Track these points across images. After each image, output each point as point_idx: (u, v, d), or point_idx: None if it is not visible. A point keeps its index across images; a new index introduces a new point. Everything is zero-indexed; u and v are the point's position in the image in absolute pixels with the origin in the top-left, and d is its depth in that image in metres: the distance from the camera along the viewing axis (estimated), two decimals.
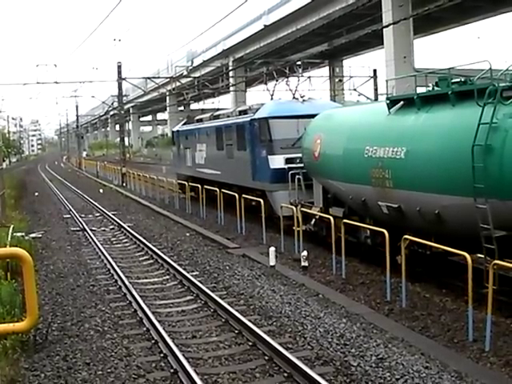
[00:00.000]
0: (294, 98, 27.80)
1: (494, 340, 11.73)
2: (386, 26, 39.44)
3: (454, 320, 13.32)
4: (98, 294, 16.82)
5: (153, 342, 12.64)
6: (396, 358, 11.07)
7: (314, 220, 21.34)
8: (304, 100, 26.98)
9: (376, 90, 54.88)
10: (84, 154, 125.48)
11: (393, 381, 10.13)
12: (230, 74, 71.80)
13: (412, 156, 15.19)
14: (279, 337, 12.62)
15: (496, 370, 10.74)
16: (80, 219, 31.74)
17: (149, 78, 69.21)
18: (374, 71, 56.52)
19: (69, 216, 34.47)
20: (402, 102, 16.70)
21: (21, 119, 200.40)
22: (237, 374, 10.90)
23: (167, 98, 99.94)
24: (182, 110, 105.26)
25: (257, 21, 68.13)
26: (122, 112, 63.02)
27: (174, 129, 44.49)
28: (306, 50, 66.75)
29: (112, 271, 19.31)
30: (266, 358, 11.49)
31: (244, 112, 29.50)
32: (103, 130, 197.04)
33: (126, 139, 79.73)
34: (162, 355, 11.84)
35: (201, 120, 37.48)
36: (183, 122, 42.72)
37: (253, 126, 26.69)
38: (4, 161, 68.64)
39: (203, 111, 48.24)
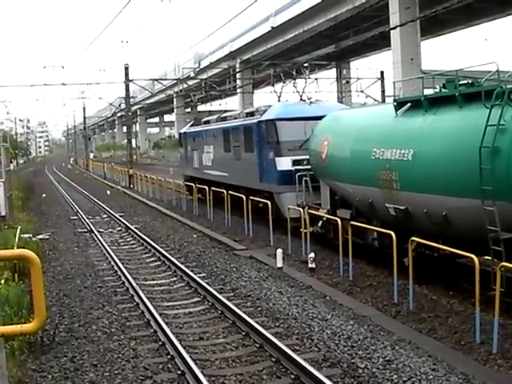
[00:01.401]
0: (301, 99, 27.78)
1: (502, 342, 11.71)
2: (393, 28, 39.48)
3: (461, 322, 13.30)
4: (105, 296, 16.85)
5: (160, 343, 12.66)
6: (403, 360, 11.06)
7: (321, 222, 21.33)
8: (311, 102, 26.99)
9: (383, 91, 54.88)
10: (91, 155, 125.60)
11: (400, 383, 10.12)
12: (237, 75, 71.77)
13: (419, 158, 15.18)
14: (286, 338, 12.62)
15: (503, 373, 10.71)
16: (87, 221, 31.80)
17: (156, 79, 69.46)
18: (381, 73, 56.54)
19: (76, 217, 34.54)
20: (409, 104, 16.69)
21: (28, 121, 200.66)
22: (244, 376, 10.91)
23: (174, 99, 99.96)
24: (189, 112, 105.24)
25: (264, 22, 68.16)
26: (130, 114, 63.10)
27: (182, 130, 44.53)
28: (313, 52, 66.76)
29: (119, 273, 19.33)
30: (273, 359, 11.48)
31: (251, 114, 29.49)
32: (110, 131, 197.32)
33: (133, 141, 79.95)
34: (169, 357, 11.85)
35: (208, 122, 37.50)
36: (190, 124, 42.74)
37: (260, 128, 26.69)
38: (11, 162, 68.76)
39: (210, 113, 48.33)
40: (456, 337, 12.55)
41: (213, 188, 30.64)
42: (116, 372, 11.22)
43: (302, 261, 19.72)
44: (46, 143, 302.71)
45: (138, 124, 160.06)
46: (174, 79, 70.16)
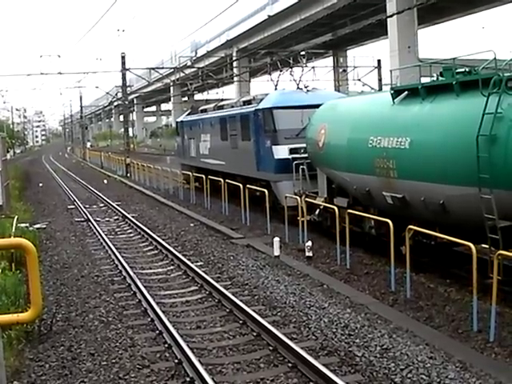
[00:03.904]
0: (298, 88, 27.76)
1: (499, 330, 11.72)
2: (391, 16, 39.33)
3: (459, 310, 13.31)
4: (102, 285, 16.84)
5: (157, 332, 12.66)
6: (400, 348, 11.07)
7: (318, 210, 21.33)
8: (308, 90, 26.97)
9: (380, 80, 54.73)
10: (88, 144, 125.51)
11: (397, 371, 10.13)
12: (234, 64, 71.63)
13: (416, 146, 15.16)
14: (284, 327, 12.63)
15: (500, 361, 10.73)
16: (84, 210, 31.80)
17: (153, 68, 69.09)
18: (378, 61, 56.35)
19: (73, 207, 34.52)
20: (406, 92, 16.66)
21: (25, 110, 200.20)
22: (241, 365, 10.91)
23: (171, 88, 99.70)
24: (186, 101, 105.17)
25: (261, 11, 67.99)
26: (126, 103, 62.98)
27: (178, 119, 44.51)
28: (310, 41, 66.65)
29: (116, 262, 19.33)
30: (271, 348, 11.49)
31: (248, 102, 29.47)
32: (107, 120, 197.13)
33: (130, 130, 79.91)
34: (166, 345, 11.86)
35: (205, 110, 37.45)
36: (187, 113, 42.71)
37: (257, 116, 26.66)
38: (8, 152, 68.70)
39: (207, 101, 48.24)
40: (453, 325, 12.57)
41: (210, 177, 30.64)
42: (113, 361, 11.22)
43: (299, 249, 19.72)
44: (43, 132, 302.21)
45: (134, 113, 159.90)
46: (171, 68, 69.92)
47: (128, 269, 17.75)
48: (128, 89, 65.47)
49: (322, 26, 58.59)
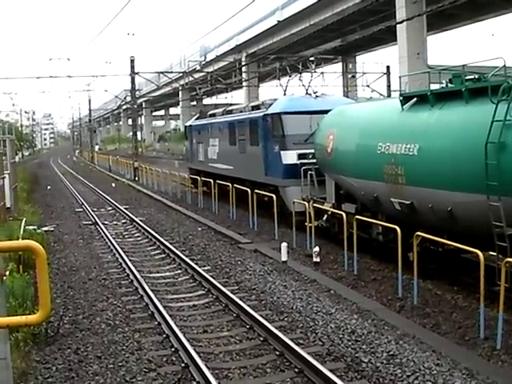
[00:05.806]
0: (306, 93, 27.76)
1: (506, 338, 11.70)
2: (400, 23, 39.37)
3: (466, 317, 13.29)
4: (109, 288, 16.87)
5: (164, 336, 12.68)
6: (407, 354, 11.06)
7: (326, 216, 21.31)
8: (317, 96, 26.97)
9: (389, 86, 54.70)
10: (96, 148, 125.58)
11: (404, 377, 10.12)
12: (243, 69, 71.66)
13: (425, 153, 15.15)
14: (290, 332, 12.64)
15: (507, 368, 10.70)
16: (92, 213, 31.84)
17: (162, 72, 69.28)
18: (387, 67, 56.35)
19: (81, 210, 34.58)
20: (415, 99, 16.65)
21: (33, 113, 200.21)
22: (248, 369, 10.93)
23: (180, 92, 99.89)
24: (194, 105, 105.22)
25: (270, 16, 68.02)
26: (135, 106, 63.08)
27: (187, 123, 44.56)
28: (320, 46, 66.59)
29: (124, 265, 19.36)
30: (277, 353, 11.50)
31: (257, 107, 29.48)
32: (116, 124, 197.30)
33: (139, 133, 79.96)
34: (173, 349, 11.87)
35: (213, 115, 37.50)
36: (196, 117, 42.77)
37: (266, 122, 26.67)
38: (17, 154, 68.84)
39: (216, 106, 48.30)
40: (460, 332, 12.55)
41: (218, 181, 30.66)
42: (120, 364, 11.25)
43: (306, 255, 19.72)
44: (52, 135, 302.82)
45: (143, 117, 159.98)
46: (180, 72, 70.05)
47: (135, 272, 17.79)
48: (137, 93, 65.66)
49: (331, 32, 58.58)
